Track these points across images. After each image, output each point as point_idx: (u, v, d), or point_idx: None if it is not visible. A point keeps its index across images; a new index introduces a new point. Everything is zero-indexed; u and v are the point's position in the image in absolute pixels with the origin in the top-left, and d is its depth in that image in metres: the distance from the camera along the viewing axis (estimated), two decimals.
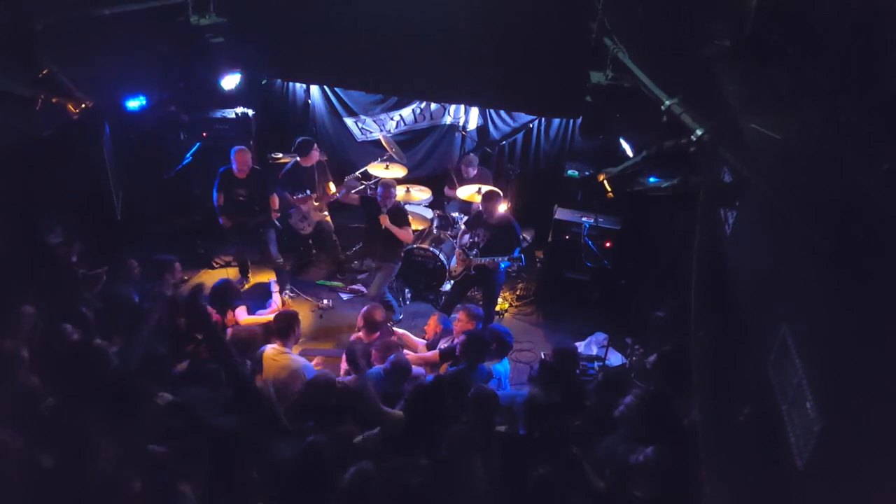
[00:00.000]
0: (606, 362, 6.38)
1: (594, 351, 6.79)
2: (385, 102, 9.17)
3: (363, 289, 7.99)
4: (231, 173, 7.17)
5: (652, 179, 5.41)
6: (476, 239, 6.92)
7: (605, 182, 5.76)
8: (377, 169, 8.22)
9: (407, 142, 9.19)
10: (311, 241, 8.43)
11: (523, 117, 8.80)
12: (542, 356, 6.21)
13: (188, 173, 8.17)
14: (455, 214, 8.10)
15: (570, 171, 7.80)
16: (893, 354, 1.74)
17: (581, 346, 6.80)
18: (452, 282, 7.49)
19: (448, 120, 9.16)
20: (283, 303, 7.11)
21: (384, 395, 4.62)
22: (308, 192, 7.65)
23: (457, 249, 7.24)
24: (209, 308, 5.38)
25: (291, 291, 7.66)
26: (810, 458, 2.06)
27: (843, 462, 1.93)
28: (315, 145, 7.66)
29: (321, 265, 8.49)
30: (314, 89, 9.26)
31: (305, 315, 7.34)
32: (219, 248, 8.28)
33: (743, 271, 3.20)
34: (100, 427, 3.53)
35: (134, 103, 7.06)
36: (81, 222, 6.71)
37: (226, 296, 5.78)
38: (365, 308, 5.74)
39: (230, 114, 8.33)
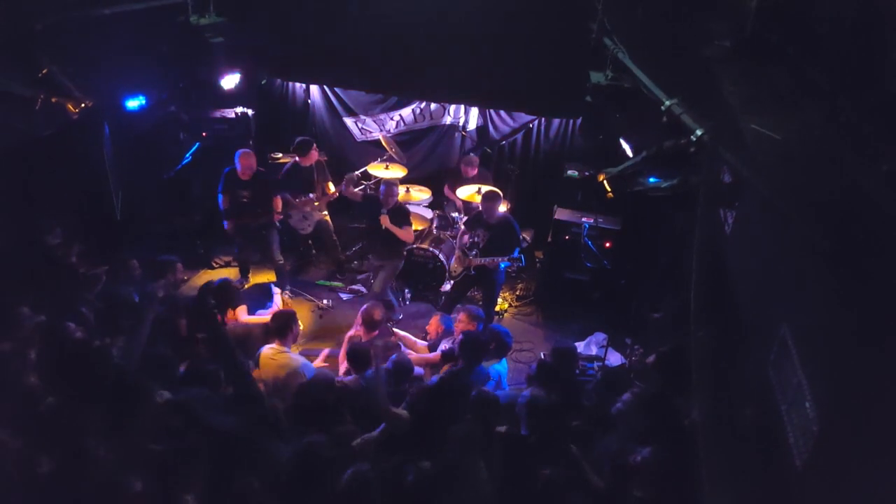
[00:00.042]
0: (606, 362, 6.38)
1: (594, 351, 6.79)
2: (385, 102, 9.17)
3: (363, 289, 8.00)
4: (235, 174, 7.19)
5: (652, 179, 5.40)
6: (476, 239, 6.92)
7: (605, 182, 5.76)
8: (377, 169, 8.22)
9: (407, 142, 9.19)
10: (310, 242, 8.43)
11: (523, 117, 8.80)
12: (542, 356, 6.21)
13: (188, 173, 8.17)
14: (455, 214, 8.10)
15: (569, 172, 7.80)
16: (893, 355, 1.74)
17: (580, 346, 6.80)
18: (452, 282, 7.48)
19: (448, 120, 9.16)
20: (284, 303, 7.11)
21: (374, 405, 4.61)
22: (311, 195, 7.67)
23: (456, 250, 7.24)
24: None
25: (291, 292, 7.66)
26: (809, 458, 2.06)
27: (841, 462, 1.93)
28: (314, 145, 7.66)
29: (321, 265, 8.49)
30: (314, 89, 9.26)
31: (305, 315, 7.35)
32: (219, 247, 8.29)
33: (743, 271, 3.20)
34: (100, 427, 3.53)
35: (134, 103, 7.06)
36: (81, 222, 6.71)
37: (226, 295, 5.78)
38: (365, 306, 5.74)
39: (230, 114, 8.33)
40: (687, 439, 3.65)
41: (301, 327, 5.90)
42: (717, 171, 3.62)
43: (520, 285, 8.35)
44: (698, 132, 3.73)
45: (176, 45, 7.02)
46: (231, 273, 7.85)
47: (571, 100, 6.55)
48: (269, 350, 5.05)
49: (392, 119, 9.27)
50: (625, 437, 4.08)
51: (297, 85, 9.27)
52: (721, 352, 3.17)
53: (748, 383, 2.78)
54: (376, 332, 5.62)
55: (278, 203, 7.46)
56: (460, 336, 5.37)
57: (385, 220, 6.90)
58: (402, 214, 7.02)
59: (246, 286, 7.71)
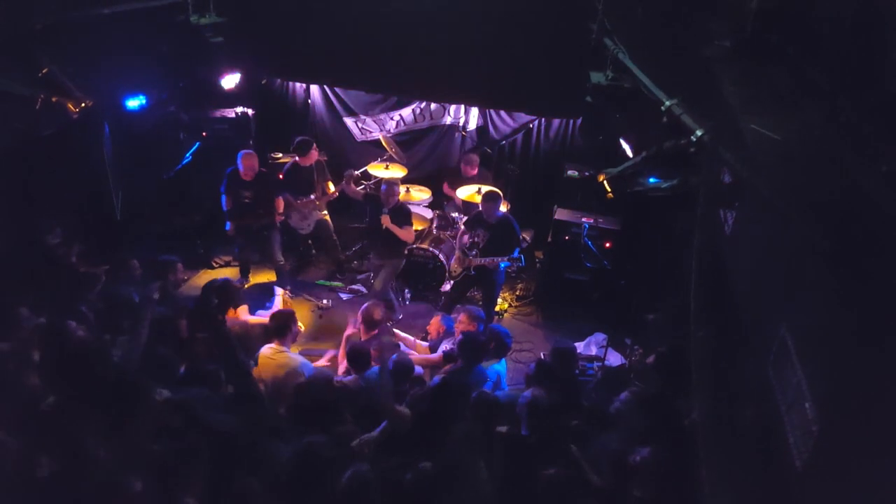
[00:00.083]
0: (606, 362, 6.38)
1: (593, 351, 6.79)
2: (385, 102, 9.16)
3: (363, 289, 8.00)
4: (237, 174, 7.21)
5: (652, 180, 5.42)
6: (476, 239, 6.92)
7: (605, 182, 5.77)
8: (377, 169, 8.22)
9: (407, 142, 9.18)
10: (310, 242, 8.43)
11: (523, 117, 8.79)
12: (542, 356, 6.21)
13: (188, 173, 8.17)
14: (455, 214, 8.10)
15: (569, 172, 7.80)
16: (893, 355, 1.74)
17: (580, 346, 6.80)
18: (452, 282, 7.49)
19: (448, 120, 9.15)
20: (285, 303, 7.11)
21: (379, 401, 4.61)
22: (312, 196, 7.68)
23: (456, 250, 7.24)
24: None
25: (290, 292, 7.65)
26: (809, 458, 2.06)
27: (841, 462, 1.92)
28: (314, 145, 7.66)
29: (321, 265, 8.49)
30: (314, 89, 9.25)
31: (305, 315, 7.35)
32: (219, 247, 8.29)
33: (742, 271, 3.20)
34: (100, 427, 3.53)
35: (134, 103, 7.06)
36: (81, 222, 6.71)
37: (228, 294, 5.78)
38: (365, 305, 5.75)
39: (230, 113, 8.33)
40: (687, 439, 3.65)
41: (302, 329, 5.90)
42: (717, 172, 3.62)
43: (520, 285, 8.34)
44: (698, 132, 3.74)
45: (176, 45, 7.02)
46: (231, 273, 7.85)
47: (571, 100, 6.55)
48: (268, 350, 5.05)
49: (392, 119, 9.26)
50: (624, 437, 4.08)
51: (297, 85, 9.27)
52: (721, 352, 3.17)
53: (748, 383, 2.78)
54: (376, 331, 5.62)
55: (280, 204, 7.46)
56: (460, 336, 5.37)
57: (386, 220, 6.90)
58: (403, 214, 7.03)
59: (246, 286, 7.71)
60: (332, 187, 7.85)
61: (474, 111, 8.90)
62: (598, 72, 5.60)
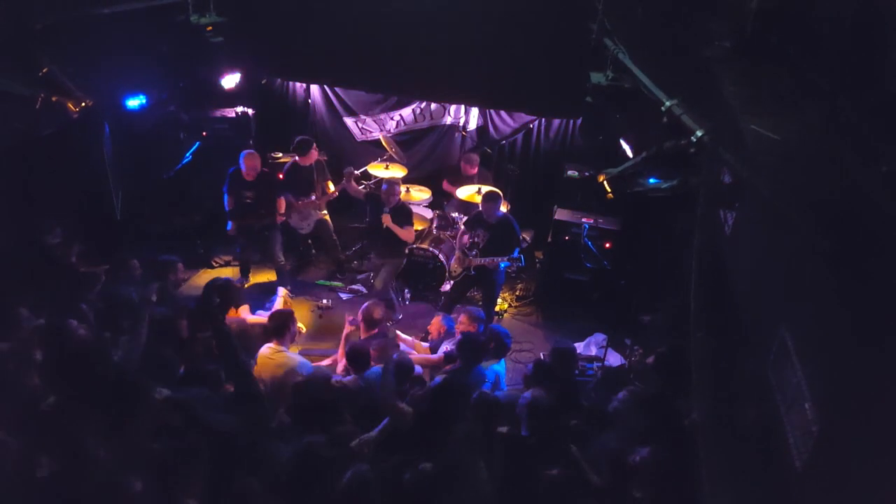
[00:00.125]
0: (605, 363, 6.38)
1: (593, 351, 6.79)
2: (385, 102, 9.16)
3: (363, 289, 8.00)
4: (239, 174, 7.21)
5: (652, 180, 5.41)
6: (476, 239, 6.92)
7: (605, 183, 5.76)
8: (377, 169, 8.22)
9: (407, 142, 9.19)
10: (310, 242, 8.43)
11: (523, 117, 8.80)
12: (541, 356, 6.21)
13: (188, 173, 8.16)
14: (455, 214, 8.10)
15: (569, 172, 7.80)
16: (893, 355, 1.74)
17: (580, 346, 6.80)
18: (452, 282, 7.49)
19: (448, 120, 9.16)
20: (286, 303, 7.11)
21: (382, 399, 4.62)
22: (312, 196, 7.68)
23: (456, 250, 7.24)
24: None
25: (290, 292, 7.65)
26: (809, 459, 2.06)
27: (841, 462, 1.92)
28: (314, 144, 7.66)
29: (321, 265, 8.49)
30: (314, 89, 9.26)
31: (305, 315, 7.35)
32: (219, 247, 8.29)
33: (742, 272, 3.20)
34: (100, 427, 3.53)
35: (134, 102, 7.06)
36: (81, 222, 6.70)
37: (229, 294, 5.78)
38: (366, 304, 5.76)
39: (230, 113, 8.33)
40: (687, 439, 3.65)
41: (303, 330, 5.91)
42: (717, 172, 3.62)
43: (520, 285, 8.34)
44: (698, 133, 3.74)
45: (176, 45, 7.02)
46: (231, 273, 7.85)
47: (571, 100, 6.56)
48: (267, 350, 5.05)
49: (392, 119, 9.26)
50: (622, 436, 4.08)
51: (298, 84, 9.27)
52: (721, 352, 3.17)
53: (748, 383, 2.78)
54: (376, 330, 5.63)
55: (282, 204, 7.47)
56: (459, 336, 5.37)
57: (387, 219, 6.90)
58: (404, 214, 7.03)
59: (246, 286, 7.71)
60: (332, 187, 7.85)
61: (474, 111, 8.91)
62: (598, 72, 5.60)
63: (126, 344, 4.59)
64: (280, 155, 8.50)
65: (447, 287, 7.66)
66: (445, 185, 8.48)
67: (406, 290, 7.92)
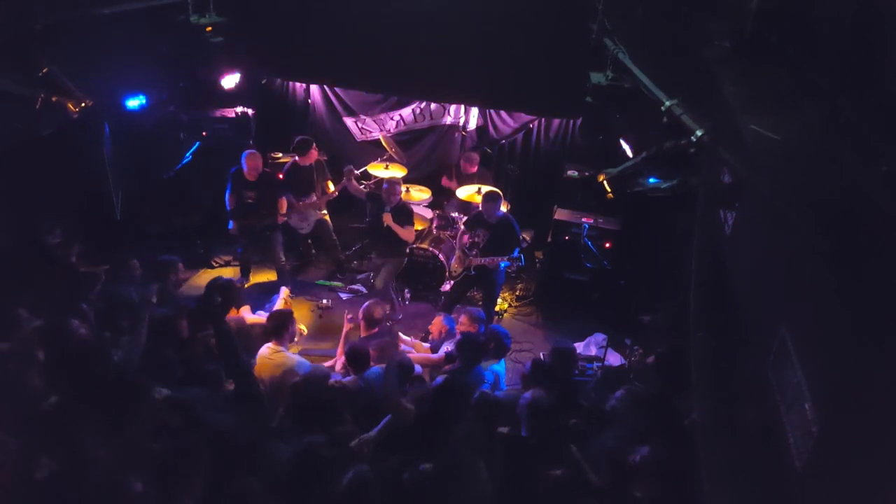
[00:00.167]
0: (605, 363, 6.38)
1: (593, 351, 6.79)
2: (385, 102, 9.17)
3: (363, 289, 8.00)
4: (241, 174, 7.21)
5: (652, 180, 5.40)
6: (476, 239, 6.92)
7: (605, 183, 5.75)
8: (377, 169, 8.22)
9: (407, 142, 9.19)
10: (310, 242, 8.43)
11: (523, 117, 8.80)
12: (541, 356, 6.21)
13: (188, 173, 8.17)
14: (454, 214, 8.11)
15: (569, 172, 7.80)
16: (892, 355, 1.74)
17: (580, 346, 6.80)
18: (452, 282, 7.48)
19: (448, 120, 9.16)
20: (286, 303, 7.11)
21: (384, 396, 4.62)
22: (312, 196, 7.67)
23: (457, 250, 7.24)
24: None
25: (290, 292, 7.65)
26: (809, 459, 2.06)
27: (841, 462, 1.92)
28: (314, 144, 7.66)
29: (321, 265, 8.49)
30: (314, 89, 9.26)
31: (305, 315, 7.35)
32: (219, 247, 8.29)
33: (742, 272, 3.20)
34: (100, 427, 3.53)
35: (133, 103, 7.06)
36: (81, 222, 6.70)
37: (230, 294, 5.78)
38: (367, 303, 5.76)
39: (230, 113, 8.33)
40: (687, 439, 3.65)
41: (304, 331, 5.91)
42: (717, 172, 3.62)
43: (519, 285, 8.34)
44: (698, 133, 3.73)
45: (176, 45, 7.02)
46: (231, 273, 7.86)
47: (571, 100, 6.54)
48: (266, 350, 5.06)
49: (392, 119, 9.26)
50: (621, 434, 4.08)
51: (297, 85, 9.28)
52: (721, 352, 3.17)
53: (748, 383, 2.78)
54: (376, 329, 5.63)
55: (283, 204, 7.47)
56: (458, 336, 5.38)
57: (388, 218, 6.91)
58: (405, 213, 7.04)
59: (246, 286, 7.71)
60: (331, 187, 7.85)
61: (474, 111, 8.91)
62: (598, 72, 5.59)
63: (126, 344, 4.59)
64: (280, 155, 8.51)
65: (447, 287, 7.66)
66: (444, 182, 8.49)
67: (406, 290, 7.92)
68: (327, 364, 5.72)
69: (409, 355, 5.42)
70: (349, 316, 5.85)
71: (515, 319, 7.79)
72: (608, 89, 5.45)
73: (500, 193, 7.11)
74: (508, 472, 4.02)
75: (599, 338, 6.95)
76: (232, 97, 8.19)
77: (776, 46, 3.47)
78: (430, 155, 9.38)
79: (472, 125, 9.02)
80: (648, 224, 7.05)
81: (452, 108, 9.04)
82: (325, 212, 7.98)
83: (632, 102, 5.24)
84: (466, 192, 7.88)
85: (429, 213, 8.42)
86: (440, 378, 4.99)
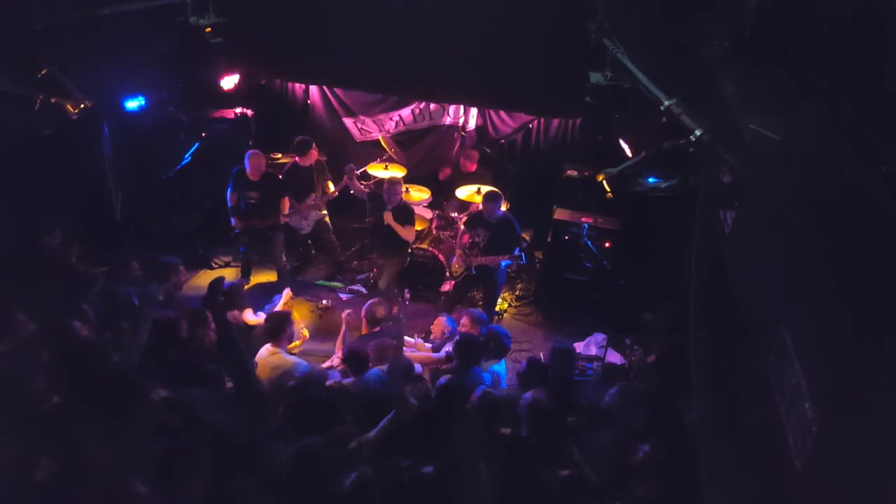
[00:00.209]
0: (605, 362, 6.38)
1: (593, 351, 6.79)
2: (384, 103, 9.16)
3: (363, 289, 8.00)
4: (244, 174, 7.21)
5: (651, 180, 5.41)
6: (476, 239, 6.92)
7: (605, 182, 5.76)
8: (377, 169, 8.22)
9: (406, 142, 9.18)
10: (310, 242, 8.43)
11: (523, 117, 8.79)
12: (541, 356, 6.21)
13: (187, 173, 8.16)
14: (454, 214, 8.11)
15: (569, 172, 7.79)
16: (892, 354, 1.74)
17: (580, 346, 6.80)
18: (453, 282, 7.48)
19: (447, 120, 9.15)
20: (287, 304, 7.11)
21: (386, 394, 4.62)
22: (312, 196, 7.68)
23: (457, 249, 7.25)
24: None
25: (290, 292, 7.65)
26: (809, 458, 2.06)
27: (841, 462, 1.93)
28: (314, 145, 7.66)
29: (321, 265, 8.49)
30: (313, 89, 9.25)
31: (305, 315, 7.35)
32: (219, 247, 8.29)
33: (742, 272, 3.20)
34: (100, 427, 3.53)
35: (133, 103, 7.06)
36: (81, 222, 6.70)
37: (232, 295, 5.78)
38: (369, 302, 5.77)
39: (229, 114, 8.33)
40: (687, 439, 3.65)
41: (307, 336, 5.91)
42: (717, 172, 3.62)
43: (519, 285, 8.34)
44: (698, 132, 3.73)
45: (175, 45, 7.02)
46: (231, 273, 7.85)
47: (571, 100, 6.55)
48: (264, 351, 5.07)
49: (391, 119, 9.26)
50: (619, 433, 4.08)
51: (297, 85, 9.27)
52: (721, 352, 3.17)
53: (748, 383, 2.78)
54: (377, 328, 5.63)
55: (285, 204, 7.47)
56: (457, 337, 5.38)
57: (388, 217, 6.91)
58: (405, 213, 7.04)
59: (247, 286, 7.71)
60: (332, 187, 7.85)
61: (474, 111, 8.91)
62: (597, 72, 5.60)
63: (126, 344, 4.59)
64: (279, 156, 8.51)
65: (447, 287, 7.66)
66: (442, 176, 8.49)
67: (406, 290, 7.92)
68: (325, 365, 5.72)
69: (411, 355, 5.42)
70: (346, 312, 5.86)
71: (515, 319, 7.79)
72: (608, 89, 5.46)
73: (500, 193, 7.11)
74: (509, 472, 4.01)
75: (599, 338, 6.94)
76: (231, 98, 8.19)
77: (776, 46, 3.48)
78: (429, 155, 9.37)
79: (472, 125, 9.02)
80: (648, 224, 7.05)
81: (452, 108, 9.03)
82: (325, 212, 7.98)
83: (631, 102, 5.25)
84: (466, 192, 7.88)
85: (428, 214, 8.42)
86: (443, 378, 5.00)
